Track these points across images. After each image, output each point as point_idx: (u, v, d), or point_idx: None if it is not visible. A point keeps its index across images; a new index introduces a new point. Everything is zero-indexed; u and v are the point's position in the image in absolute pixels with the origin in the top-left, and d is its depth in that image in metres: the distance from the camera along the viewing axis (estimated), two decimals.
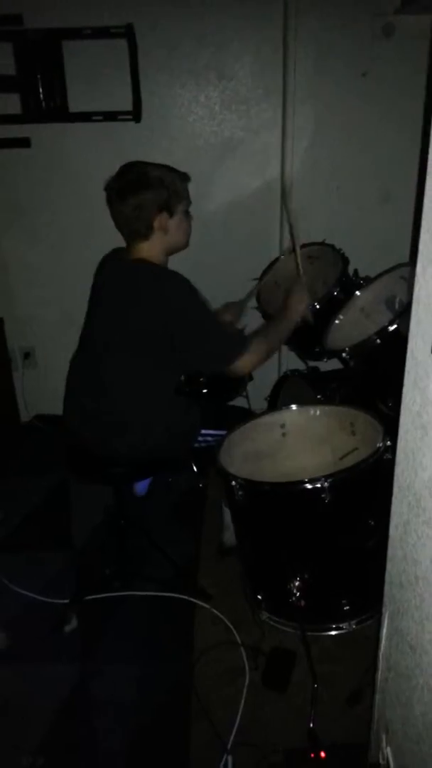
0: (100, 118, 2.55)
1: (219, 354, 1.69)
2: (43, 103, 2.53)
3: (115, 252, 1.82)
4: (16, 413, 3.00)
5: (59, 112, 2.55)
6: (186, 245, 1.81)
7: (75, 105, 2.56)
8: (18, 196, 2.64)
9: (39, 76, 2.51)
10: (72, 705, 1.70)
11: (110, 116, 2.55)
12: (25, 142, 2.60)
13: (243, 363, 1.70)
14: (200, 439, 1.90)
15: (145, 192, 1.63)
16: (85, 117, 2.56)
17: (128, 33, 2.44)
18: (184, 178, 1.74)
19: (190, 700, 1.65)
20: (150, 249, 1.70)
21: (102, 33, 2.45)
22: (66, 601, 1.99)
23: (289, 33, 2.45)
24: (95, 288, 1.82)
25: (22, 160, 2.60)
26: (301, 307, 1.89)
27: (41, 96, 2.53)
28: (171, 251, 1.77)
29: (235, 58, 2.54)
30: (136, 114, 2.56)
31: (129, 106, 2.54)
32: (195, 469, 2.04)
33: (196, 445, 1.88)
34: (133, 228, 1.67)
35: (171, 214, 1.69)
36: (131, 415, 1.74)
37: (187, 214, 1.77)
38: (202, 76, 2.56)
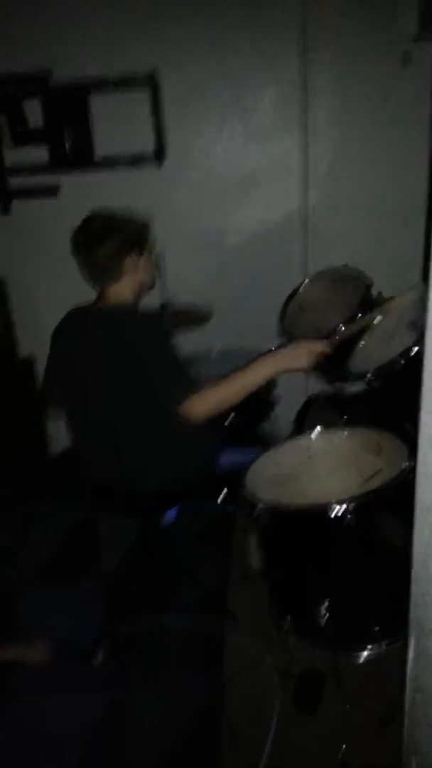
0: (125, 163, 2.66)
1: (170, 395, 1.63)
2: (70, 153, 2.65)
3: (79, 308, 1.81)
4: (45, 448, 3.07)
5: (85, 160, 2.66)
6: (153, 284, 1.86)
7: (101, 152, 2.67)
8: (49, 240, 2.75)
9: (66, 128, 2.63)
10: (104, 731, 1.72)
11: (135, 161, 2.66)
12: (53, 191, 2.71)
13: (190, 408, 1.61)
14: (222, 462, 1.93)
15: (112, 237, 1.68)
16: (111, 163, 2.66)
17: (151, 80, 2.54)
18: (146, 220, 1.80)
19: (220, 722, 1.67)
20: (121, 291, 1.74)
21: (125, 82, 2.55)
22: (96, 632, 2.01)
23: (308, 64, 2.53)
24: (67, 346, 1.80)
25: (52, 208, 2.72)
26: (291, 362, 1.73)
27: (68, 146, 2.64)
28: (141, 291, 1.80)
29: (257, 92, 2.62)
30: (159, 155, 2.66)
31: (152, 148, 2.64)
32: (222, 494, 2.07)
33: (219, 470, 1.91)
34: (104, 274, 1.71)
35: (140, 253, 1.74)
36: (149, 459, 1.78)
37: (151, 254, 1.82)
38: (224, 111, 2.65)
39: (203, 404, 1.63)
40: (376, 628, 1.60)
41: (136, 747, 1.67)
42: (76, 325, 1.78)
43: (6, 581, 2.30)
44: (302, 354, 1.72)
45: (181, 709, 1.75)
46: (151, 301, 2.33)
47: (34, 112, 2.62)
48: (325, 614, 1.56)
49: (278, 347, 1.87)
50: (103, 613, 2.12)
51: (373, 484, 1.57)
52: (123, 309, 1.72)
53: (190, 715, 1.73)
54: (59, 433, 3.01)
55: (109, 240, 1.68)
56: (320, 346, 1.73)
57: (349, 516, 1.46)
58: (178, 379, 1.64)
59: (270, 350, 1.85)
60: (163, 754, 1.63)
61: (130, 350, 1.62)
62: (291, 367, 1.73)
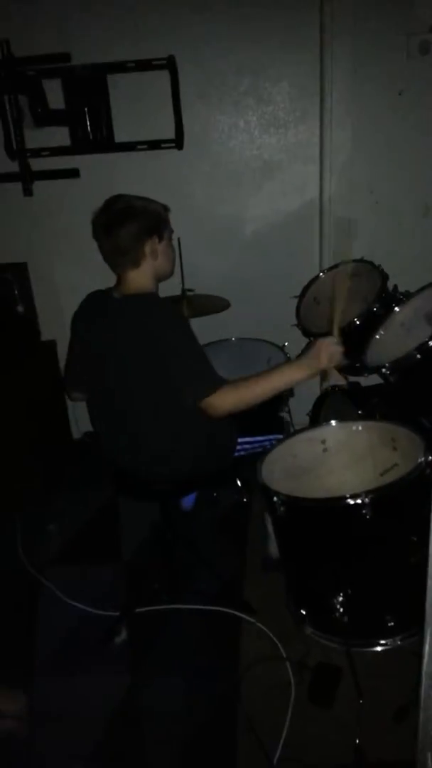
0: (145, 147, 2.67)
1: (192, 388, 1.64)
2: (91, 135, 2.66)
3: (98, 293, 1.82)
4: (68, 431, 3.12)
5: (106, 143, 2.67)
6: (172, 272, 1.86)
7: (120, 135, 2.67)
8: (69, 223, 2.78)
9: (86, 109, 2.64)
10: (122, 715, 1.75)
11: (154, 145, 2.66)
12: (74, 173, 2.73)
13: (211, 403, 1.63)
14: (239, 447, 1.94)
15: (134, 220, 1.68)
16: (130, 147, 2.67)
17: (170, 64, 2.55)
18: (166, 208, 1.80)
19: (236, 714, 1.68)
20: (141, 277, 1.74)
21: (145, 65, 2.56)
22: (116, 613, 2.05)
23: (325, 55, 2.51)
24: (87, 332, 1.81)
25: (72, 190, 2.73)
26: (311, 364, 1.71)
27: (89, 128, 2.65)
28: (161, 277, 1.81)
29: (273, 83, 2.61)
30: (178, 142, 2.66)
31: (172, 135, 2.64)
32: (239, 483, 2.08)
33: (237, 454, 1.92)
34: (125, 258, 1.71)
35: (160, 239, 1.74)
36: (167, 444, 1.80)
37: (171, 241, 1.82)
38: (241, 102, 2.65)
39: (224, 401, 1.63)
40: (392, 623, 1.60)
41: (152, 734, 1.69)
42: (96, 311, 1.79)
43: (29, 562, 2.33)
44: (322, 354, 1.69)
45: (198, 698, 1.77)
46: (169, 288, 2.35)
47: (54, 94, 2.62)
48: (341, 607, 1.56)
49: (303, 351, 1.86)
50: (124, 594, 2.14)
51: (389, 478, 1.57)
52: (143, 297, 1.72)
53: (206, 705, 1.75)
54: (81, 417, 3.05)
55: (130, 223, 1.68)
56: (334, 343, 1.72)
57: (365, 510, 1.45)
58: (200, 372, 1.65)
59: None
60: (179, 743, 1.65)
61: (150, 339, 1.63)
62: (312, 370, 1.72)
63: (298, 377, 1.72)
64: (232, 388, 1.66)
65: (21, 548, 2.42)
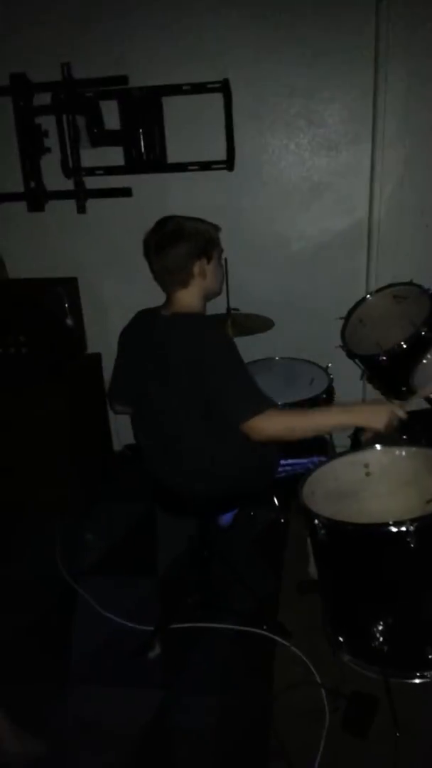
0: (196, 167, 2.72)
1: (236, 409, 1.62)
2: (144, 155, 2.73)
3: (147, 312, 1.86)
4: (109, 443, 3.16)
5: (158, 163, 2.73)
6: (220, 291, 1.89)
7: (173, 156, 2.73)
8: (119, 240, 2.85)
9: (141, 130, 2.71)
10: (153, 730, 1.75)
11: (205, 166, 2.71)
12: (127, 192, 2.80)
13: (256, 425, 1.60)
14: (281, 469, 1.93)
15: (184, 241, 1.71)
16: (182, 167, 2.73)
17: (224, 87, 2.60)
18: (216, 228, 1.82)
19: (267, 738, 1.66)
20: (189, 296, 1.76)
21: (199, 88, 2.62)
22: (150, 627, 2.06)
23: (379, 78, 2.52)
24: (134, 349, 1.85)
25: (124, 208, 2.80)
26: (369, 420, 1.66)
27: (142, 148, 2.72)
28: (209, 297, 1.83)
29: (325, 106, 2.63)
30: (229, 163, 2.70)
31: (223, 156, 2.69)
32: (276, 502, 2.07)
33: (278, 475, 1.91)
34: (174, 277, 1.74)
35: (209, 260, 1.76)
36: (207, 464, 1.80)
37: (220, 261, 1.84)
38: (292, 124, 2.68)
39: (270, 425, 1.61)
40: (431, 656, 1.56)
41: (181, 753, 1.68)
42: (143, 329, 1.83)
43: (67, 572, 2.36)
44: (383, 416, 1.65)
45: (229, 718, 1.75)
46: (214, 307, 2.38)
47: (111, 115, 2.70)
48: (380, 636, 1.53)
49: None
50: (158, 609, 2.15)
51: None
52: (190, 316, 1.75)
53: (238, 726, 1.73)
54: (123, 429, 3.09)
55: (180, 245, 1.71)
56: (401, 413, 1.67)
57: (408, 538, 1.43)
58: (247, 394, 1.64)
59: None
60: (208, 764, 1.63)
61: (196, 358, 1.65)
62: (367, 425, 1.69)
63: (349, 424, 1.72)
64: (282, 414, 1.66)
65: (59, 557, 2.45)
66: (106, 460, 3.12)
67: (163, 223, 1.75)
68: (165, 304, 1.82)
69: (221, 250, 1.84)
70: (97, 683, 1.91)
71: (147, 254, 1.78)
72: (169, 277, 1.75)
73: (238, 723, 1.74)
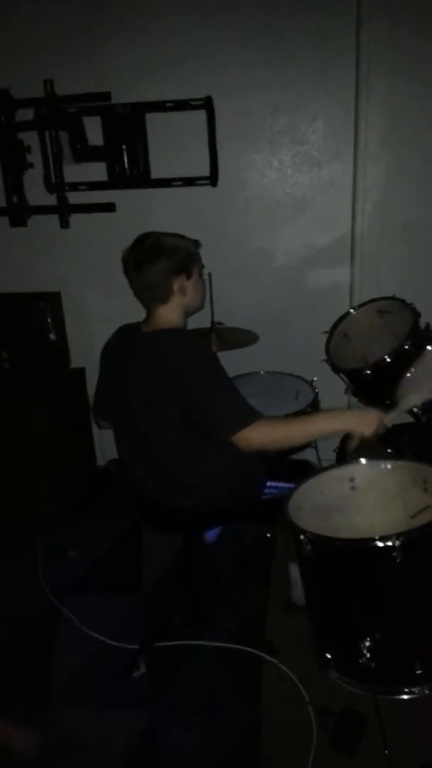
0: (180, 183, 2.73)
1: (224, 421, 1.63)
2: (128, 171, 2.73)
3: (128, 327, 1.86)
4: (93, 458, 3.14)
5: (142, 179, 2.74)
6: (202, 306, 1.89)
7: (156, 172, 2.74)
8: (103, 255, 2.83)
9: (124, 146, 2.72)
10: (138, 751, 1.72)
11: (189, 182, 2.72)
12: (110, 207, 2.80)
13: (244, 436, 1.60)
14: (266, 490, 1.92)
15: (163, 258, 1.70)
16: (166, 183, 2.74)
17: (207, 104, 2.62)
18: (197, 244, 1.82)
19: (256, 756, 1.64)
20: (169, 313, 1.76)
21: (183, 105, 2.64)
22: (135, 646, 2.03)
23: (360, 96, 2.56)
24: (116, 365, 1.84)
25: (108, 224, 2.80)
26: (357, 425, 1.69)
27: (126, 164, 2.73)
28: (189, 312, 1.83)
29: (308, 122, 2.66)
30: (213, 179, 2.71)
31: (207, 172, 2.70)
32: (263, 519, 2.06)
33: (263, 497, 1.91)
34: (154, 294, 1.73)
35: (188, 276, 1.76)
36: (193, 480, 1.80)
37: (201, 277, 1.84)
38: (275, 141, 2.70)
39: (260, 435, 1.62)
40: (420, 670, 1.55)
41: None
42: (125, 345, 1.82)
43: (50, 588, 2.33)
44: (371, 423, 1.67)
45: (216, 738, 1.73)
46: (198, 322, 2.38)
47: (94, 131, 2.71)
48: (367, 652, 1.52)
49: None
50: (143, 627, 2.12)
51: (421, 520, 1.54)
52: (171, 333, 1.74)
53: (225, 745, 1.71)
54: (107, 444, 3.07)
55: (160, 261, 1.71)
56: (387, 421, 1.70)
57: (395, 552, 1.43)
58: (233, 406, 1.65)
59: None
60: None
61: (178, 375, 1.64)
62: (355, 431, 1.71)
63: (338, 430, 1.74)
64: (270, 423, 1.66)
65: (42, 574, 2.41)
66: (90, 476, 3.09)
67: (142, 239, 1.75)
68: (146, 320, 1.81)
69: (202, 266, 1.84)
70: (81, 704, 1.88)
71: (126, 271, 1.78)
72: (150, 294, 1.74)
73: (226, 742, 1.72)
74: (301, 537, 1.57)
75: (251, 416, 1.62)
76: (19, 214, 2.83)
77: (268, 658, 1.93)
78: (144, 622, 2.16)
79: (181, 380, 1.63)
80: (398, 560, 1.43)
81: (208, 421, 1.65)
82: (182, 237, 1.80)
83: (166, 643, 2.03)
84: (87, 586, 2.39)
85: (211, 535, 2.43)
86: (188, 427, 1.69)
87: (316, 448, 2.38)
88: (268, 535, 2.43)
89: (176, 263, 1.72)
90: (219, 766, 1.65)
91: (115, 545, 2.63)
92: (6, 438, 2.60)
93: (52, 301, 2.86)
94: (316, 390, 2.38)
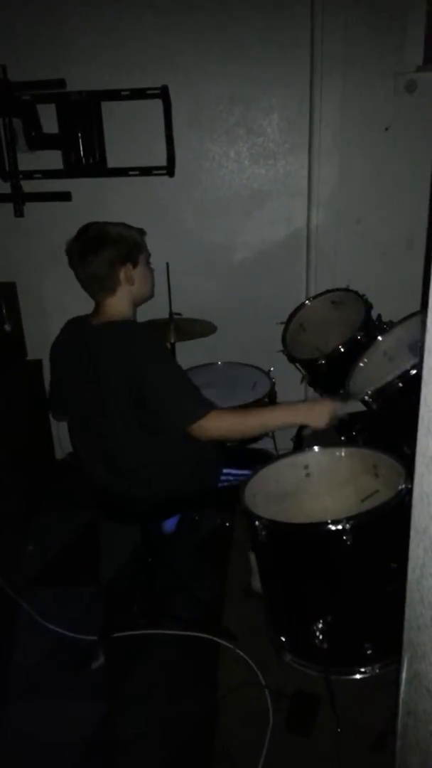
0: (136, 173, 2.71)
1: (177, 413, 1.65)
2: (83, 159, 2.70)
3: (77, 321, 1.84)
4: (51, 451, 3.10)
5: (98, 168, 2.71)
6: (152, 294, 1.87)
7: (113, 161, 2.72)
8: (59, 245, 2.77)
9: (80, 134, 2.68)
10: (97, 742, 1.73)
11: (145, 171, 2.70)
12: (66, 196, 2.76)
13: (200, 427, 1.63)
14: (223, 478, 1.94)
15: (107, 247, 1.69)
16: (122, 172, 2.71)
17: (163, 94, 2.60)
18: (142, 232, 1.82)
19: (212, 741, 1.66)
20: (118, 303, 1.75)
21: (139, 94, 2.61)
22: (94, 637, 2.02)
23: (314, 90, 2.58)
24: (66, 359, 1.83)
25: (64, 213, 2.76)
26: (311, 418, 1.75)
27: (81, 153, 2.69)
28: (138, 302, 1.82)
29: (264, 114, 2.68)
30: (170, 169, 2.70)
31: (164, 162, 2.69)
32: (220, 507, 2.08)
33: (220, 484, 1.93)
34: (101, 284, 1.72)
35: (135, 265, 1.75)
36: (147, 470, 1.80)
37: (148, 265, 1.84)
38: (231, 132, 2.71)
39: (214, 425, 1.64)
40: (370, 650, 1.59)
41: (128, 760, 1.67)
42: (73, 339, 1.81)
43: (8, 582, 2.29)
44: (324, 414, 1.75)
45: (173, 725, 1.75)
46: (156, 312, 2.37)
47: (48, 119, 2.66)
48: (320, 634, 1.56)
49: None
50: (102, 618, 2.12)
51: (370, 504, 1.58)
52: (120, 324, 1.73)
53: (182, 733, 1.72)
54: (65, 437, 3.02)
55: (104, 251, 1.69)
56: (341, 411, 1.77)
57: (345, 536, 1.46)
58: (186, 396, 1.66)
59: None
60: None
61: (128, 366, 1.64)
62: (308, 423, 1.78)
63: (292, 422, 1.79)
64: (225, 413, 1.69)
65: None
66: (48, 468, 3.06)
67: (85, 229, 1.73)
68: (94, 312, 1.79)
69: (148, 254, 1.83)
70: (38, 696, 1.87)
71: (71, 263, 1.75)
72: (97, 285, 1.73)
73: (184, 729, 1.74)
74: (256, 523, 1.59)
75: (204, 407, 1.64)
76: None
77: (225, 644, 1.95)
78: (103, 613, 2.16)
79: (130, 372, 1.63)
80: (348, 543, 1.47)
81: (161, 412, 1.65)
82: (127, 226, 1.78)
83: (124, 633, 2.04)
84: (45, 579, 2.37)
85: (169, 525, 2.44)
86: (140, 417, 1.69)
87: (273, 437, 2.42)
88: (227, 524, 2.46)
89: (121, 252, 1.71)
90: (175, 753, 1.67)
91: (73, 538, 2.61)
92: None
93: (7, 291, 2.82)
94: (273, 380, 2.41)
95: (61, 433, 3.07)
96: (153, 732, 1.74)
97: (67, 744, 1.72)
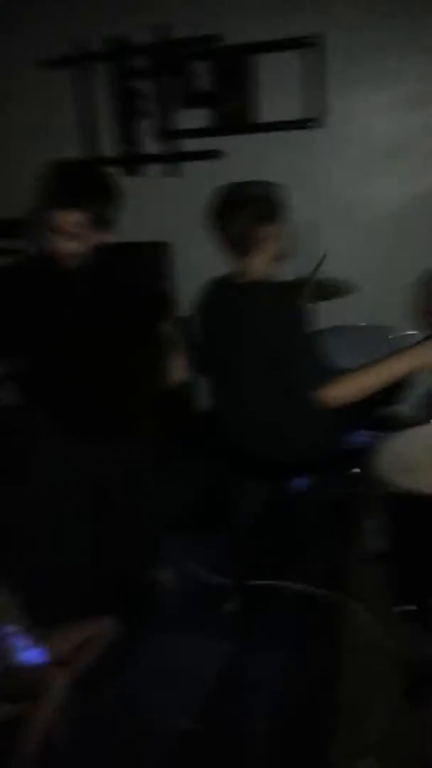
0: (286, 127, 2.65)
1: (301, 381, 1.68)
2: (236, 116, 2.69)
3: (219, 280, 1.87)
4: (188, 404, 3.22)
5: (250, 124, 2.69)
6: (292, 253, 1.84)
7: (265, 115, 2.68)
8: (209, 204, 2.86)
9: (233, 90, 2.68)
10: (227, 679, 1.83)
11: (297, 125, 2.64)
12: (216, 154, 2.79)
13: (326, 394, 1.66)
14: (358, 439, 1.91)
15: (249, 207, 1.69)
16: (273, 127, 2.67)
17: (319, 43, 2.49)
18: (281, 188, 1.78)
19: (331, 699, 1.69)
20: (259, 263, 1.75)
21: (293, 44, 2.53)
22: (226, 581, 2.13)
23: None
24: (207, 317, 1.89)
25: (214, 172, 2.77)
26: (426, 361, 1.71)
27: (234, 108, 2.69)
28: (278, 260, 1.80)
29: (425, 62, 2.46)
30: (321, 121, 2.61)
31: (315, 114, 2.60)
32: (351, 472, 2.04)
33: (353, 445, 1.90)
34: (243, 244, 1.72)
35: (276, 223, 1.73)
36: (280, 428, 1.83)
37: (289, 223, 1.79)
38: (384, 80, 2.54)
39: (338, 392, 1.66)
40: None
41: (253, 701, 1.75)
42: (216, 298, 1.86)
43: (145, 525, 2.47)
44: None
45: (298, 677, 1.80)
46: (300, 270, 2.35)
47: (202, 75, 2.70)
48: None
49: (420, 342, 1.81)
50: (234, 565, 2.21)
51: None
52: (258, 286, 1.75)
53: (306, 687, 1.77)
54: (202, 392, 3.16)
55: (244, 211, 1.70)
56: None
57: None
58: (312, 364, 1.67)
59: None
60: (275, 720, 1.69)
61: (262, 329, 1.67)
62: (427, 365, 1.71)
63: (412, 368, 1.70)
64: (348, 378, 1.66)
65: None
66: (185, 422, 3.18)
67: (224, 193, 1.75)
68: (236, 272, 1.82)
69: (289, 212, 1.80)
70: (175, 629, 2.00)
71: (213, 224, 1.78)
72: (239, 245, 1.75)
73: (306, 683, 1.78)
74: (388, 491, 1.56)
75: (326, 376, 1.65)
76: (133, 163, 2.89)
77: (352, 605, 1.95)
78: (234, 560, 2.26)
79: (269, 333, 1.65)
80: None
81: (290, 378, 1.68)
82: (267, 184, 1.77)
83: (256, 582, 2.11)
84: (183, 524, 2.51)
85: (299, 485, 2.46)
86: (275, 376, 1.71)
87: (410, 403, 2.30)
88: (357, 488, 2.42)
89: (262, 211, 1.71)
90: (296, 703, 1.72)
91: (207, 488, 2.72)
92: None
93: (162, 250, 2.93)
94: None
95: (198, 388, 3.18)
96: (277, 679, 1.80)
97: (201, 676, 1.83)
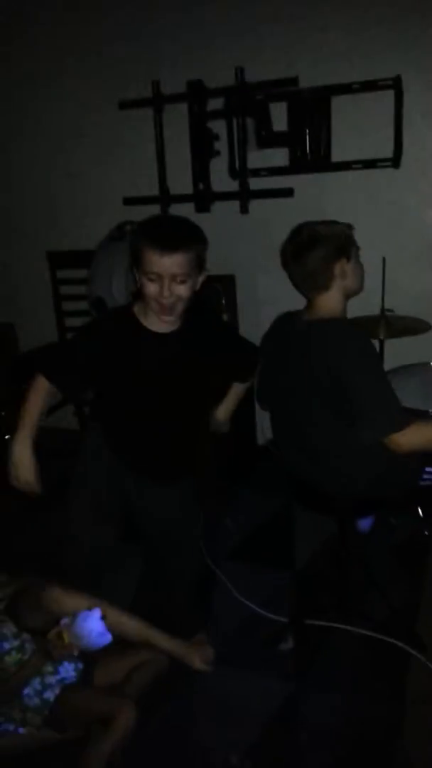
0: (360, 166, 2.69)
1: (373, 424, 1.63)
2: (309, 155, 2.75)
3: (288, 316, 1.89)
4: (253, 436, 3.24)
5: (322, 163, 2.74)
6: (362, 288, 1.84)
7: (338, 155, 2.72)
8: (278, 240, 2.88)
9: (307, 130, 2.74)
10: (280, 719, 1.78)
11: (369, 164, 2.67)
12: (289, 192, 2.84)
13: (393, 441, 1.61)
14: (426, 476, 1.86)
15: (320, 246, 1.71)
16: (346, 166, 2.71)
17: (396, 84, 2.54)
18: (350, 227, 1.80)
19: (394, 746, 1.63)
20: (330, 299, 1.76)
21: (370, 86, 2.58)
22: (284, 619, 2.09)
23: None
24: (276, 353, 1.89)
25: (285, 209, 2.83)
26: None
27: (308, 148, 2.74)
28: (349, 296, 1.81)
29: None
30: (395, 160, 2.63)
31: (389, 154, 2.63)
32: (420, 513, 2.00)
33: (421, 484, 1.85)
34: (315, 282, 1.74)
35: (348, 259, 1.75)
36: (341, 460, 1.80)
37: (358, 259, 1.80)
38: None
39: (409, 440, 1.62)
40: None
41: (310, 743, 1.70)
42: (284, 333, 1.88)
43: (207, 551, 2.43)
44: None
45: (356, 722, 1.74)
46: (368, 308, 2.34)
47: (279, 117, 2.76)
48: None
49: None
50: (293, 602, 2.18)
51: None
52: (331, 323, 1.76)
53: (367, 729, 1.71)
54: (267, 424, 3.15)
55: (319, 248, 1.73)
56: None
57: None
58: (382, 409, 1.64)
59: None
60: (338, 759, 1.63)
61: (333, 367, 1.65)
62: None
63: None
64: (421, 427, 1.63)
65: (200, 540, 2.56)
66: (249, 453, 3.20)
67: (298, 231, 1.79)
68: (307, 308, 1.84)
69: (358, 248, 1.82)
70: (228, 664, 1.96)
71: (285, 263, 1.82)
72: (311, 283, 1.77)
73: (367, 727, 1.72)
74: None
75: (399, 421, 1.61)
76: (204, 200, 2.98)
77: (415, 653, 1.89)
78: (294, 598, 2.22)
79: (337, 372, 1.65)
80: None
81: (358, 418, 1.65)
82: (336, 222, 1.80)
83: (314, 622, 2.07)
84: (241, 555, 2.50)
85: (364, 524, 2.41)
86: (341, 416, 1.70)
87: None
88: (426, 532, 2.36)
89: (335, 247, 1.74)
90: (356, 749, 1.66)
91: (269, 520, 2.71)
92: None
93: (227, 283, 2.99)
94: None
95: (264, 421, 3.19)
96: (336, 723, 1.74)
97: (254, 715, 1.79)
